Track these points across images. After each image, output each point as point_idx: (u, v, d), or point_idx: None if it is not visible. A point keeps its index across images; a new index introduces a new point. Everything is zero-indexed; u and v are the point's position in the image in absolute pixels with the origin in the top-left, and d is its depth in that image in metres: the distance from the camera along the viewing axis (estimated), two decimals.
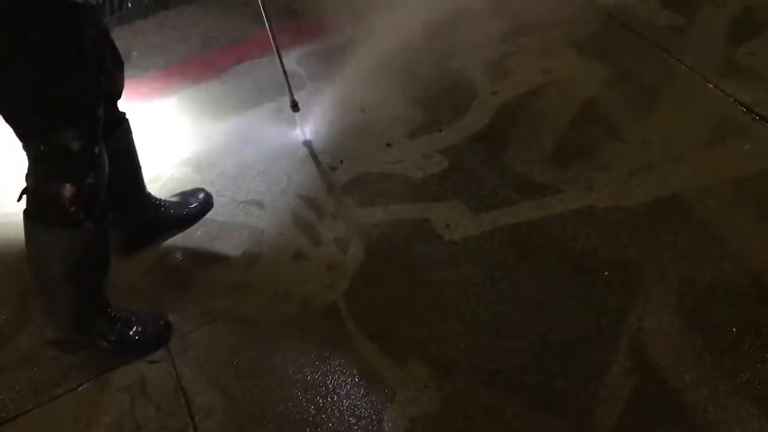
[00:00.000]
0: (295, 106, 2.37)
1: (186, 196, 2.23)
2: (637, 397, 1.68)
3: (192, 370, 1.82)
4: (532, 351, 1.80)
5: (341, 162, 2.37)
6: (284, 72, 2.30)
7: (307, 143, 2.44)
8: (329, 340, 1.86)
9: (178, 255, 2.12)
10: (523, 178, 2.24)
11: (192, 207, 2.21)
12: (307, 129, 2.46)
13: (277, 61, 2.27)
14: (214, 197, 2.26)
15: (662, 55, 2.66)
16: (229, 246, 2.13)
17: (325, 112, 2.55)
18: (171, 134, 2.53)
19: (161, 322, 1.91)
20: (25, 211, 1.64)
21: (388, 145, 2.41)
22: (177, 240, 2.15)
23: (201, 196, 2.24)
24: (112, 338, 1.82)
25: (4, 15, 1.34)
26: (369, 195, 2.25)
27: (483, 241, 2.07)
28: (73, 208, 1.57)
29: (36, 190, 1.58)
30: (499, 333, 1.84)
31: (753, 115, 2.35)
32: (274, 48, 2.23)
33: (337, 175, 2.33)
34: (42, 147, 1.51)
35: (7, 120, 1.50)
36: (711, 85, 2.49)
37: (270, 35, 2.19)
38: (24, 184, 1.60)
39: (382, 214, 2.19)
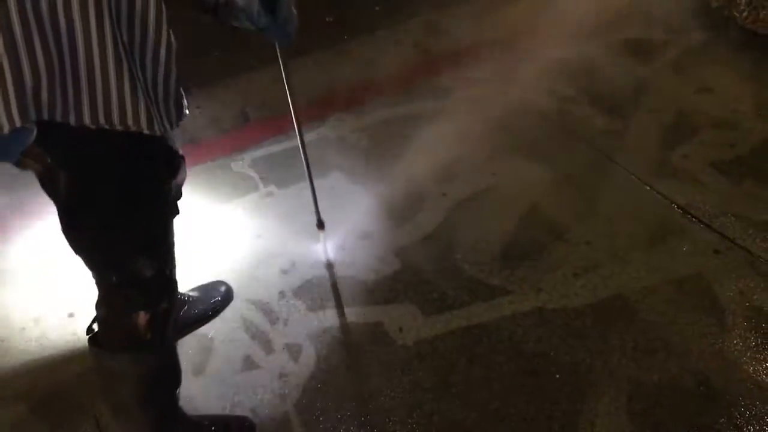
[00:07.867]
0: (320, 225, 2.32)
1: (207, 290, 2.22)
2: None
3: None
4: None
5: (293, 265, 2.37)
6: (312, 189, 2.22)
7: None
8: None
9: None
10: (473, 279, 2.28)
11: (215, 300, 2.19)
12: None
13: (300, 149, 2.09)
14: None
15: (601, 159, 2.79)
16: None
17: (280, 216, 2.58)
18: None
19: (246, 424, 1.86)
20: (91, 339, 1.55)
21: (342, 248, 2.43)
22: None
23: (223, 288, 2.22)
24: None
25: (81, 157, 1.27)
26: (321, 299, 2.25)
27: (436, 345, 2.08)
28: (148, 336, 1.49)
29: (108, 320, 1.51)
30: None
31: (689, 216, 2.46)
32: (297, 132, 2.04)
33: (289, 278, 2.33)
34: (114, 277, 1.45)
35: (78, 252, 1.42)
36: (648, 188, 2.61)
37: (293, 118, 1.98)
38: (94, 313, 1.52)
39: (334, 318, 2.18)
